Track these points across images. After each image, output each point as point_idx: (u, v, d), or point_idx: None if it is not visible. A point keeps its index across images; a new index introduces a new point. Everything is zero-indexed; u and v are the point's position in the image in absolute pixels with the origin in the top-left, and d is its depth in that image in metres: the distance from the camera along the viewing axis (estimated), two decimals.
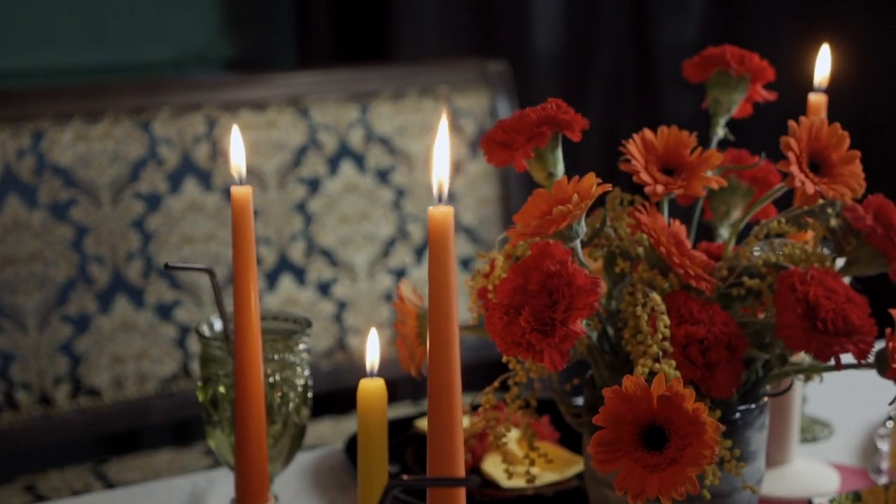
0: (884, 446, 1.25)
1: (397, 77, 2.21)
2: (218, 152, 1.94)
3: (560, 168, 1.05)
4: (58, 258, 1.85)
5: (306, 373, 1.15)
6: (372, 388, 1.01)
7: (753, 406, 1.06)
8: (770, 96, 1.17)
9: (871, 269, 1.07)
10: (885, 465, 1.25)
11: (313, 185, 2.07)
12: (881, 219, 1.06)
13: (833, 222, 1.07)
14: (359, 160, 2.11)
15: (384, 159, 2.13)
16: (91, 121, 1.89)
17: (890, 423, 1.26)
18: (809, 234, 1.11)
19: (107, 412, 1.90)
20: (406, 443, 1.34)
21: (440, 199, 0.80)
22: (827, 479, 1.30)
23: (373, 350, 1.03)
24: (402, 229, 2.14)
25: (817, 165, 1.06)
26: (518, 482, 1.27)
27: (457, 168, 2.19)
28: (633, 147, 1.07)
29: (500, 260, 1.01)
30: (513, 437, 1.33)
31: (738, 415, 1.05)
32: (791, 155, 1.04)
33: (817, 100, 1.23)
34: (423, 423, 1.35)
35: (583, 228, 1.00)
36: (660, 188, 1.05)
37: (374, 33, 2.54)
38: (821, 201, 1.06)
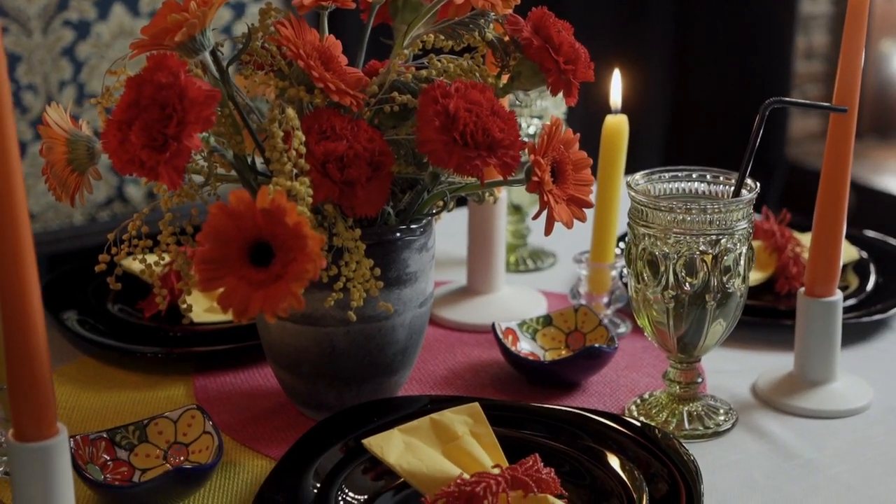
0: (582, 271, 1.23)
1: None
2: None
3: None
4: None
5: None
6: None
7: (414, 227, 1.03)
8: None
9: (533, 84, 1.04)
10: (583, 289, 1.23)
11: (82, 28, 1.99)
12: (540, 31, 1.02)
13: (490, 35, 1.03)
14: (131, 3, 2.02)
15: (158, 1, 2.05)
16: None
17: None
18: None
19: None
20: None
21: None
22: (535, 306, 1.29)
23: None
24: None
25: None
26: (212, 316, 1.24)
27: None
28: None
29: (125, 75, 0.96)
30: None
31: (397, 234, 1.02)
32: None
33: None
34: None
35: (209, 41, 0.95)
36: (307, 0, 1.00)
37: None
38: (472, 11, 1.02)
